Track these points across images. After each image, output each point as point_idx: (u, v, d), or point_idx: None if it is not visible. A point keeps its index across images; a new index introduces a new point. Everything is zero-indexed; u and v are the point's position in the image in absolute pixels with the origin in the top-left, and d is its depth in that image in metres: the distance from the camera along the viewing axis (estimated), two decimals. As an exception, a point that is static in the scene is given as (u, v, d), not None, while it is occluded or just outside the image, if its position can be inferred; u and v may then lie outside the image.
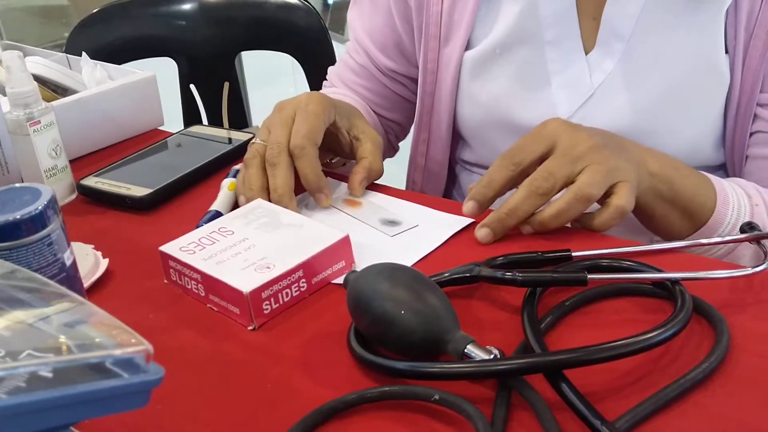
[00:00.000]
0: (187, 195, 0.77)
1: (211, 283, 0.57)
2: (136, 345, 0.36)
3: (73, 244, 0.56)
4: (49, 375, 0.34)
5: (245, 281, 0.56)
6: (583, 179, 0.61)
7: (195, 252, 0.60)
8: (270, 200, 0.68)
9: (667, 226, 0.68)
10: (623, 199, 0.61)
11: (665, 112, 0.76)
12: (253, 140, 0.73)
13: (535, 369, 0.46)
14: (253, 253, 0.59)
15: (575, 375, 0.46)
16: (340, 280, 0.59)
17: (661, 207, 0.67)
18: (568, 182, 0.62)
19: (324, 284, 0.60)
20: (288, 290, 0.57)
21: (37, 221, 0.51)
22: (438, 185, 0.94)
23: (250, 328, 0.56)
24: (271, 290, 0.56)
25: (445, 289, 0.53)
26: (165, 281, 0.62)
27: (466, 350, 0.48)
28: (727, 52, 0.73)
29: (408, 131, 1.02)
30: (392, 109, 0.96)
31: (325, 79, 1.01)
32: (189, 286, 0.60)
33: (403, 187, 1.01)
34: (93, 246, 0.66)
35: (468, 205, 0.66)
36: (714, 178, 0.69)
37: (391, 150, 1.03)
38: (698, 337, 0.51)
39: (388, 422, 0.46)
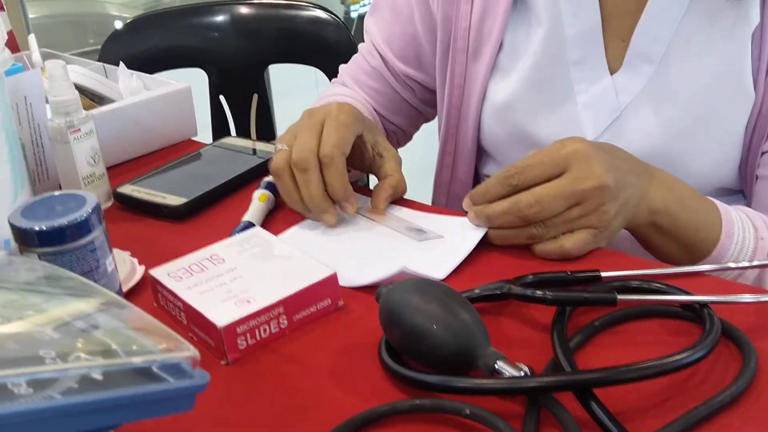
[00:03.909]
0: (220, 205, 0.79)
1: (191, 313, 0.57)
2: (183, 351, 0.38)
3: (116, 253, 0.57)
4: (100, 377, 0.35)
5: (222, 314, 0.55)
6: (566, 218, 0.63)
7: (182, 279, 0.60)
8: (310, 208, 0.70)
9: (665, 255, 0.69)
10: (573, 245, 0.63)
11: (692, 134, 0.77)
12: (278, 146, 0.72)
13: (565, 387, 0.47)
14: (238, 284, 0.58)
15: (604, 394, 0.47)
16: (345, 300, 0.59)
17: (659, 239, 0.68)
18: (553, 217, 0.63)
19: (307, 322, 0.59)
20: (266, 326, 0.56)
21: (83, 227, 0.53)
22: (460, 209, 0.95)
23: (222, 362, 0.55)
24: (248, 325, 0.55)
25: (475, 306, 0.54)
26: (154, 304, 0.62)
27: (496, 366, 0.48)
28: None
29: (410, 137, 1.04)
30: (398, 114, 0.98)
31: (335, 77, 1.02)
32: (174, 313, 0.60)
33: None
34: (130, 253, 0.68)
35: (466, 202, 0.69)
36: (723, 209, 0.69)
37: None
38: (726, 360, 0.52)
39: (418, 435, 0.47)
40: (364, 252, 0.68)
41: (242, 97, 1.39)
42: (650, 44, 0.75)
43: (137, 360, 0.36)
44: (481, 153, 0.91)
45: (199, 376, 0.37)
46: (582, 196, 0.62)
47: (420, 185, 1.03)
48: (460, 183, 0.93)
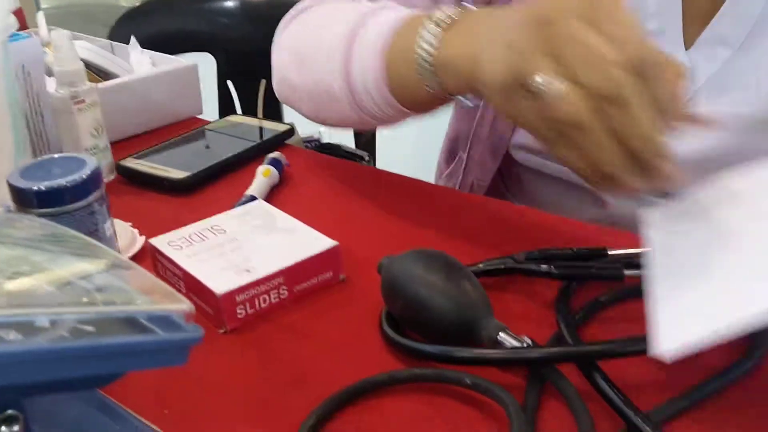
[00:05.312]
0: (224, 180, 0.78)
1: (190, 281, 0.56)
2: (176, 303, 0.37)
3: (117, 223, 0.56)
4: (92, 329, 0.35)
5: (221, 283, 0.54)
6: None
7: (182, 248, 0.59)
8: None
9: None
10: None
11: (764, 132, 0.70)
12: (537, 81, 0.45)
13: (568, 358, 0.46)
14: (238, 254, 0.58)
15: (609, 369, 0.46)
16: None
17: None
18: None
19: (308, 293, 0.58)
20: (266, 296, 0.56)
21: (81, 189, 0.52)
22: (491, 165, 0.85)
23: (221, 331, 0.54)
24: (247, 294, 0.54)
25: (479, 280, 0.52)
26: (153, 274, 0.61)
27: (498, 337, 0.47)
28: None
29: None
30: None
31: None
32: (173, 282, 0.59)
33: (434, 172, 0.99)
34: (131, 223, 0.67)
35: None
36: None
37: None
38: (737, 338, 0.50)
39: (418, 404, 0.46)
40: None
41: (250, 83, 1.38)
42: (731, 28, 0.70)
43: (129, 309, 0.35)
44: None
45: (193, 330, 0.36)
46: None
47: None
48: (496, 136, 0.83)
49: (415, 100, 0.64)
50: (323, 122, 0.76)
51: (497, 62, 0.49)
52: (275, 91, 0.80)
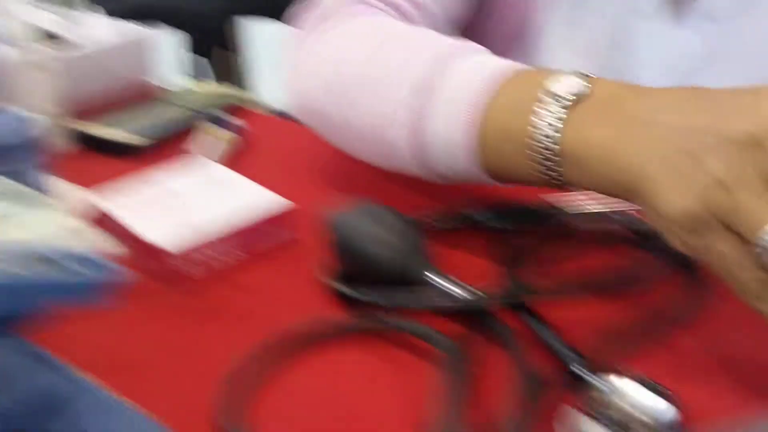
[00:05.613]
0: (178, 143, 0.77)
1: (140, 243, 0.54)
2: (100, 245, 0.37)
3: (66, 185, 0.56)
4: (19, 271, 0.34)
5: (169, 240, 0.53)
6: None
7: (130, 207, 0.58)
8: None
9: None
10: None
11: None
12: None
13: (502, 299, 0.46)
14: (188, 213, 0.57)
15: (550, 316, 0.46)
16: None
17: None
18: None
19: (261, 253, 0.57)
20: (218, 256, 0.55)
21: (19, 147, 0.51)
22: None
23: (169, 289, 0.54)
24: (197, 252, 0.54)
25: (428, 234, 0.53)
26: None
27: (426, 278, 0.48)
28: None
29: None
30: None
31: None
32: (121, 242, 0.57)
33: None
34: (85, 189, 0.66)
35: None
36: None
37: None
38: (681, 286, 0.50)
39: (359, 354, 0.47)
40: None
41: (216, 56, 1.38)
42: (718, 3, 0.67)
43: (44, 248, 0.35)
44: None
45: (114, 270, 0.35)
46: None
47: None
48: None
49: (517, 181, 0.52)
50: (365, 161, 0.65)
51: (682, 190, 0.39)
52: (297, 115, 0.68)
